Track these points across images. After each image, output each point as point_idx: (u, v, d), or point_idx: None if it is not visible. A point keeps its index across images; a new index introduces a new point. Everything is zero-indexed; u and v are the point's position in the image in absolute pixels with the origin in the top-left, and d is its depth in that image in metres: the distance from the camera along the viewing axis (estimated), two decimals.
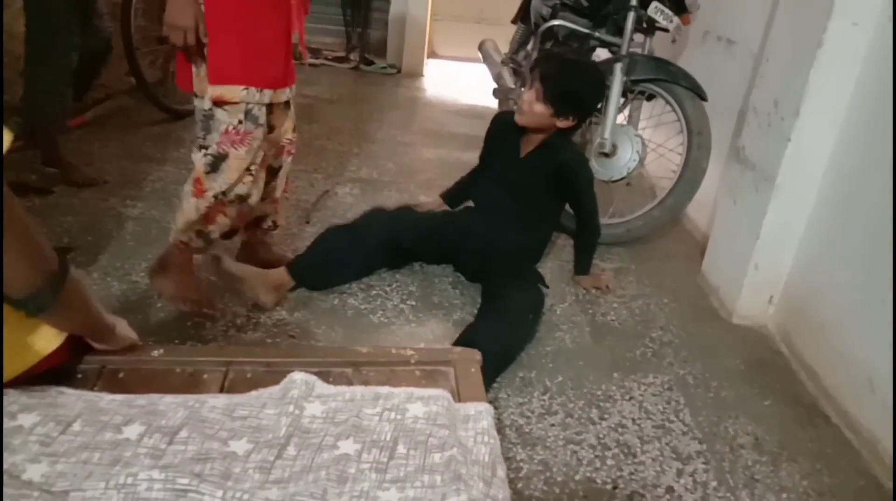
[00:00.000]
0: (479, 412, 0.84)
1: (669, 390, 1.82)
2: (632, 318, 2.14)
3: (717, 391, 1.83)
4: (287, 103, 1.85)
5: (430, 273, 2.24)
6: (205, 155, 1.67)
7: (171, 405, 0.78)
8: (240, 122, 1.64)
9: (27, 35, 2.37)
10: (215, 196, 1.68)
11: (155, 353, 0.92)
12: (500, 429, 1.57)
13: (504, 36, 3.79)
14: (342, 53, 4.91)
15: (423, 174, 3.09)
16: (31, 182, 2.41)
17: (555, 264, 2.41)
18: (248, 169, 1.70)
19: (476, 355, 0.95)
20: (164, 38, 3.26)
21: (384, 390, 0.84)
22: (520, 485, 1.43)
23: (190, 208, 1.71)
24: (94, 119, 3.00)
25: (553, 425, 1.63)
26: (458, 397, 0.88)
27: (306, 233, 2.39)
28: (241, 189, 1.71)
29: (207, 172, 1.67)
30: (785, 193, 1.99)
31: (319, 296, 2.03)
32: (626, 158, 2.50)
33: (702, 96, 2.42)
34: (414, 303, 2.06)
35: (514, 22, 3.56)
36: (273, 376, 0.85)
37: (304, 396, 0.81)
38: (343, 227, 2.12)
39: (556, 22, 2.86)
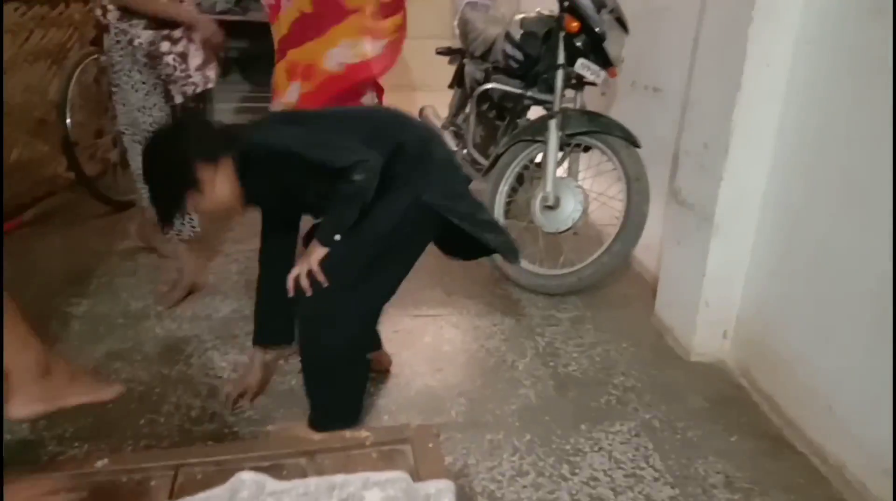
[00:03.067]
0: (440, 490, 0.82)
1: (637, 436, 1.81)
2: (593, 366, 2.15)
3: (683, 432, 1.83)
4: None
5: (389, 339, 2.22)
6: None
7: None
8: None
9: None
10: None
11: (99, 463, 0.88)
12: (471, 498, 1.54)
13: (442, 101, 3.89)
14: None
15: None
16: None
17: (512, 320, 2.42)
18: None
19: (432, 429, 0.94)
20: (100, 132, 3.26)
21: (339, 478, 0.82)
22: None
23: None
24: (35, 217, 2.94)
25: (525, 487, 1.61)
26: (418, 475, 0.86)
27: None
28: None
29: None
30: (724, 230, 2.05)
31: (278, 378, 1.99)
32: (569, 209, 2.55)
33: (635, 144, 2.51)
34: (372, 375, 2.03)
35: (450, 87, 3.66)
36: (224, 475, 0.83)
37: (256, 494, 0.78)
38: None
39: (489, 85, 2.96)
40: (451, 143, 3.43)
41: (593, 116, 2.59)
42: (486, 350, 2.21)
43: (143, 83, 2.30)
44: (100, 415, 1.78)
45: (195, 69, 2.36)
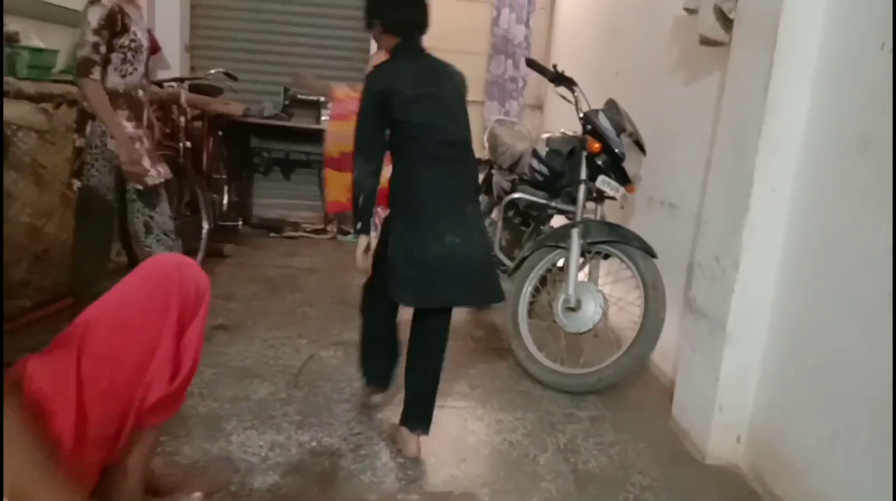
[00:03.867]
0: None
1: None
2: (612, 464, 2.24)
3: None
4: None
5: None
6: None
7: None
8: None
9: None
10: None
11: None
12: None
13: None
14: (320, 226, 5.23)
15: (402, 334, 3.24)
16: None
17: (534, 415, 2.52)
18: None
19: (472, 498, 1.05)
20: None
21: None
22: None
23: None
24: (90, 297, 3.13)
25: None
26: None
27: (296, 397, 2.48)
28: None
29: None
30: (736, 338, 2.19)
31: (310, 459, 2.10)
32: (590, 312, 2.72)
33: (652, 254, 2.70)
34: (402, 460, 2.14)
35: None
36: None
37: None
38: (370, 340, 2.46)
39: (516, 195, 3.21)
40: None
41: (613, 227, 2.80)
42: (508, 443, 2.31)
43: (106, 167, 2.64)
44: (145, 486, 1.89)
45: (151, 166, 2.74)
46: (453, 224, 2.10)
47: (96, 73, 2.45)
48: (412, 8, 2.19)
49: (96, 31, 2.43)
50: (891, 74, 1.71)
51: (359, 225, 2.14)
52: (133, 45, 2.58)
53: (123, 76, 2.60)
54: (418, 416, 2.18)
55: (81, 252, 2.76)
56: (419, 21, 2.19)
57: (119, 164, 2.61)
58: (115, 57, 2.55)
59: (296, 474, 2.02)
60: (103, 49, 2.46)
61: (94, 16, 2.44)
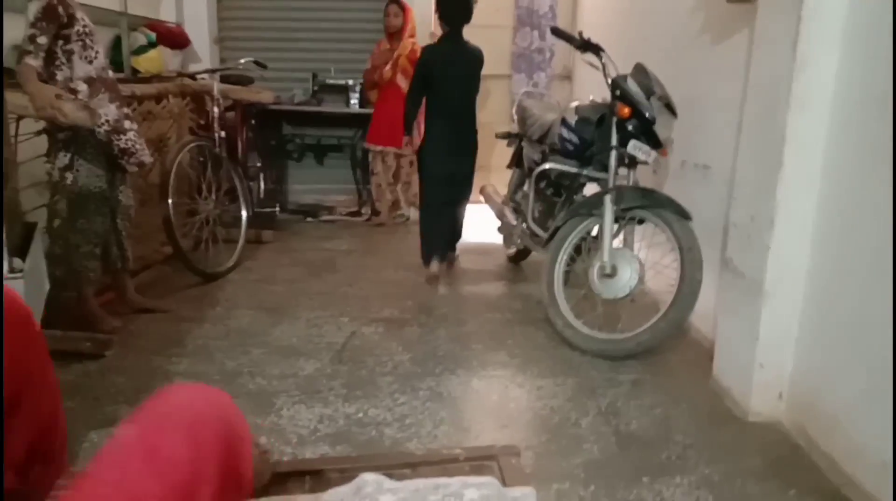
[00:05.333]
0: (525, 494, 0.99)
1: (697, 489, 1.91)
2: (653, 425, 2.26)
3: (742, 487, 1.92)
4: None
5: (458, 398, 2.39)
6: None
7: None
8: None
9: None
10: None
11: None
12: None
13: (500, 180, 4.19)
14: (355, 208, 5.31)
15: (439, 309, 3.31)
16: (84, 349, 2.63)
17: (574, 381, 2.56)
18: None
19: (514, 449, 1.11)
20: (193, 211, 3.75)
21: (442, 480, 1.00)
22: None
23: None
24: (136, 287, 3.26)
25: None
26: (505, 484, 1.03)
27: (341, 372, 2.57)
28: None
29: None
30: (774, 296, 2.19)
31: (357, 429, 2.18)
32: (626, 278, 2.73)
33: (687, 216, 2.69)
34: (446, 428, 2.20)
35: (509, 167, 3.95)
36: (346, 479, 1.01)
37: (378, 490, 0.96)
38: (429, 230, 3.82)
39: (547, 165, 3.21)
40: (512, 217, 3.68)
41: (646, 192, 2.80)
42: (550, 408, 2.35)
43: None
44: None
45: (142, 149, 2.89)
46: (452, 149, 3.70)
47: (30, 59, 2.49)
48: (457, 6, 3.59)
49: (33, 24, 2.50)
50: None
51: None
52: (86, 29, 2.68)
53: (90, 62, 2.69)
54: (446, 252, 3.92)
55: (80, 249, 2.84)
56: (461, 16, 3.61)
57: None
58: (76, 46, 2.64)
59: (345, 443, 2.10)
60: (42, 39, 2.50)
61: (33, 10, 2.51)
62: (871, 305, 1.85)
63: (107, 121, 2.73)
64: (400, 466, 1.07)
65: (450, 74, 3.60)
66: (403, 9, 4.70)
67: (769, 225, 2.16)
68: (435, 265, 3.74)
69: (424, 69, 3.62)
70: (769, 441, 2.16)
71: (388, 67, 4.71)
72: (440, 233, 3.80)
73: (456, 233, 3.99)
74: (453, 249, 4.02)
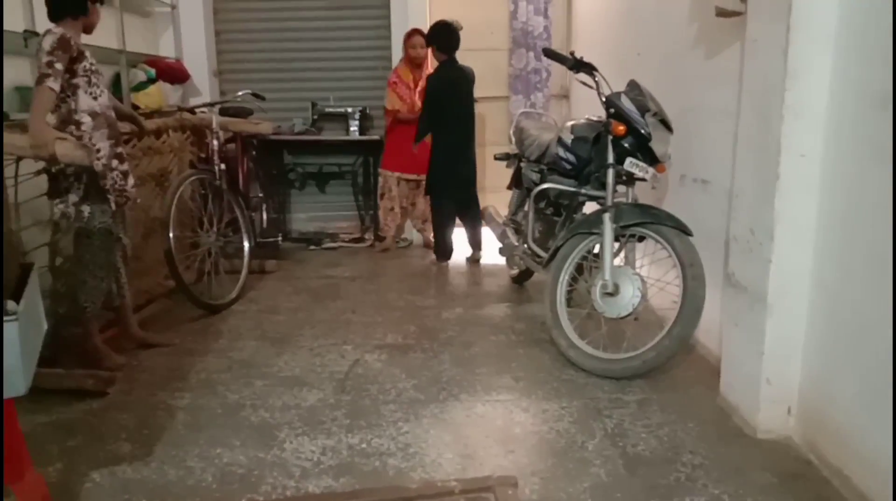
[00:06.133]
0: None
1: None
2: (661, 445, 2.23)
3: None
4: None
5: (462, 424, 2.36)
6: None
7: None
8: None
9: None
10: None
11: None
12: None
13: (501, 201, 4.19)
14: (358, 235, 5.32)
15: (444, 333, 3.29)
16: (87, 386, 2.62)
17: (580, 402, 2.53)
18: None
19: (512, 480, 1.08)
20: (195, 244, 3.78)
21: None
22: None
23: None
24: (140, 322, 3.26)
25: None
26: None
27: (344, 401, 2.54)
28: None
29: None
30: (777, 309, 2.16)
31: (361, 460, 2.15)
32: (629, 296, 2.70)
33: (687, 232, 2.67)
34: (450, 456, 2.17)
35: (509, 188, 3.95)
36: None
37: None
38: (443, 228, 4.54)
39: (545, 185, 3.21)
40: (513, 237, 3.67)
41: (645, 208, 2.78)
42: (555, 432, 2.32)
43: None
44: (204, 496, 1.97)
45: (131, 187, 2.89)
46: (457, 153, 4.42)
47: (51, 82, 2.54)
48: (452, 38, 4.33)
49: (50, 52, 2.56)
50: None
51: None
52: (93, 67, 2.76)
53: (95, 98, 2.75)
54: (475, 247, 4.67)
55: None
56: (455, 45, 4.37)
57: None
58: (82, 81, 2.71)
59: (348, 475, 2.07)
60: (59, 66, 2.56)
61: (48, 41, 2.57)
62: (878, 314, 1.82)
63: (103, 155, 2.76)
64: (397, 500, 1.05)
65: (454, 93, 4.35)
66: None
67: (769, 237, 2.14)
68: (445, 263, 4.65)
69: (436, 94, 4.32)
70: (779, 458, 2.12)
71: (417, 98, 4.78)
72: (451, 232, 4.60)
73: (476, 241, 4.68)
74: (478, 248, 4.71)
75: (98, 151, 2.73)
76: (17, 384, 1.41)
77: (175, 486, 2.03)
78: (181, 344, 3.16)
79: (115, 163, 2.80)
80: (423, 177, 4.64)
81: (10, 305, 1.47)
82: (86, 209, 2.76)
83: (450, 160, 4.38)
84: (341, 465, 2.12)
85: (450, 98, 4.32)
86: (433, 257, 4.76)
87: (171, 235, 3.38)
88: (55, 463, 2.14)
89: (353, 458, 2.16)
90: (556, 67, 5.31)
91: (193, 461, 2.15)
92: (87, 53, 2.74)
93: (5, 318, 1.43)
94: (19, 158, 2.70)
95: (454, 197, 4.48)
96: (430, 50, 4.49)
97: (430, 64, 4.75)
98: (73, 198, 2.75)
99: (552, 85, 5.43)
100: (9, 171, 2.74)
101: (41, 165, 2.75)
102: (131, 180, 2.91)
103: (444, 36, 4.32)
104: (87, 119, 2.71)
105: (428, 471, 2.08)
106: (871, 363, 1.85)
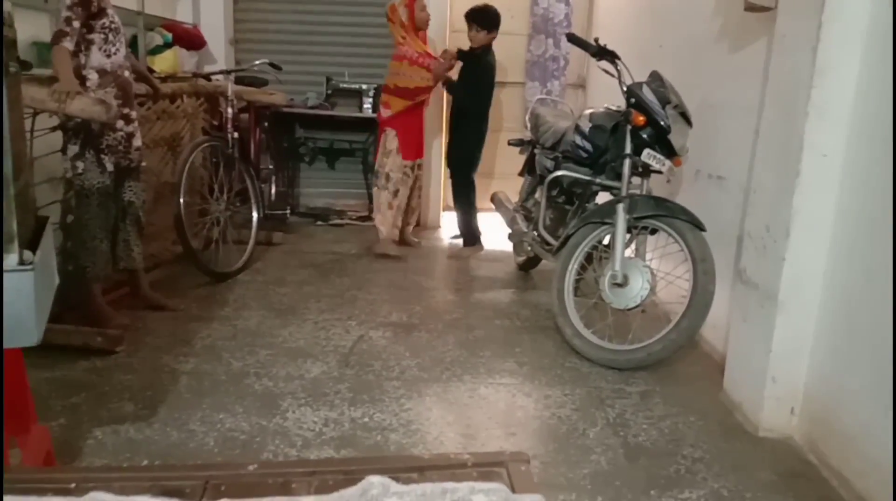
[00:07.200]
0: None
1: None
2: (662, 437, 2.23)
3: None
4: None
5: (465, 405, 2.37)
6: None
7: None
8: None
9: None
10: None
11: (251, 467, 1.06)
12: None
13: (512, 187, 4.17)
14: (365, 213, 5.30)
15: (449, 315, 3.29)
16: (95, 344, 2.62)
17: (583, 390, 2.53)
18: None
19: (524, 456, 1.08)
20: (205, 211, 3.77)
21: (450, 485, 0.97)
22: None
23: None
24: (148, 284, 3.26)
25: None
26: (514, 491, 1.01)
27: (347, 375, 2.55)
28: None
29: None
30: (788, 308, 2.16)
31: (363, 434, 2.16)
32: (637, 288, 2.70)
33: (700, 227, 2.66)
34: (452, 435, 2.18)
35: (521, 174, 3.93)
36: (352, 481, 0.99)
37: (384, 494, 0.94)
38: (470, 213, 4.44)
39: (560, 172, 3.19)
40: (523, 224, 3.66)
41: (659, 201, 2.77)
42: (557, 418, 2.33)
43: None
44: (207, 459, 1.98)
45: (135, 149, 2.90)
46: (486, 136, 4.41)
47: (67, 42, 2.55)
48: (499, 17, 4.22)
49: (69, 8, 2.56)
50: None
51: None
52: (112, 25, 2.74)
53: (108, 56, 2.73)
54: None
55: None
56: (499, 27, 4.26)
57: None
58: (98, 37, 2.70)
59: (350, 447, 2.08)
60: (76, 24, 2.57)
61: None
62: (889, 317, 1.81)
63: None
64: (407, 470, 1.05)
65: (495, 76, 4.32)
66: None
67: (785, 235, 2.13)
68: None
69: (493, 73, 4.26)
70: (780, 457, 2.13)
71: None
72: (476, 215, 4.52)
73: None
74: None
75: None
76: (31, 333, 1.40)
77: (177, 448, 2.04)
78: (187, 310, 3.16)
79: (120, 123, 2.78)
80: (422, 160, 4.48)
81: (27, 254, 1.47)
82: (80, 165, 2.74)
83: (482, 142, 4.36)
84: (343, 437, 2.13)
85: (494, 80, 4.31)
86: (460, 244, 4.55)
87: (181, 200, 3.37)
88: (58, 419, 2.15)
89: (355, 431, 2.17)
90: (574, 56, 5.27)
91: (196, 424, 2.16)
92: (110, 11, 2.73)
93: (22, 267, 1.43)
94: (36, 112, 2.69)
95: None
96: (473, 33, 4.17)
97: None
98: (70, 151, 2.74)
99: (569, 73, 5.39)
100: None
101: (56, 120, 2.74)
102: (136, 143, 2.89)
103: (498, 18, 4.20)
104: (93, 76, 2.70)
105: (429, 448, 2.09)
106: (881, 367, 1.85)
